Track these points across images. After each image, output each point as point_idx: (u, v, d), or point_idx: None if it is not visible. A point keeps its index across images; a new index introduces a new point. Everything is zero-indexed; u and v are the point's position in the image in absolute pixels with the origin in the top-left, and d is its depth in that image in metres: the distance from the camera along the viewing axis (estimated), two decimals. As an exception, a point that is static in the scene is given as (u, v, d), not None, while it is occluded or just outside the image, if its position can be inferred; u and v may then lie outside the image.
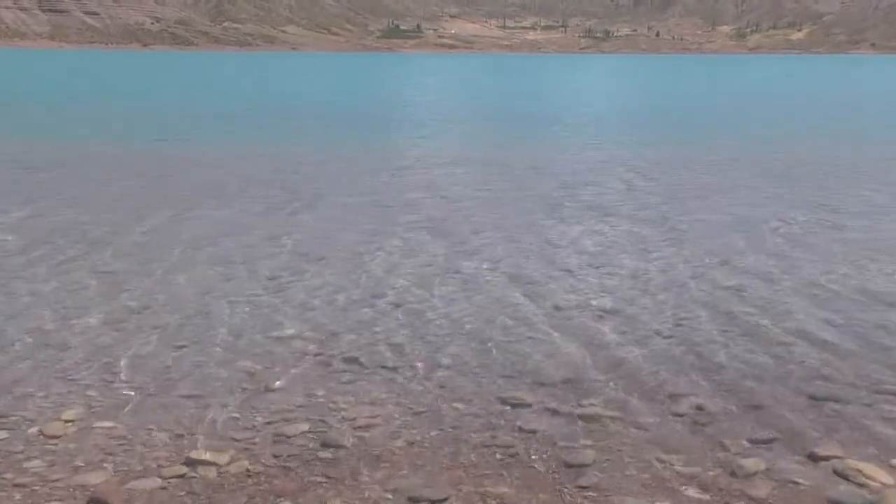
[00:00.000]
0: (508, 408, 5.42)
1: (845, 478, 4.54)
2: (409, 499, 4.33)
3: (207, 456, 4.72)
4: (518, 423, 5.19)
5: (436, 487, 4.43)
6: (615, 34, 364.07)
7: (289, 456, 4.78)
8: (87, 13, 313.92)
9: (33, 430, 5.04)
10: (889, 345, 6.57)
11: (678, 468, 4.64)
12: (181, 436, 5.00)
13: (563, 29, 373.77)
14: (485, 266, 8.91)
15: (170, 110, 33.11)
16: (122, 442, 4.91)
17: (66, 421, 5.16)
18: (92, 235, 10.14)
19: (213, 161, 17.56)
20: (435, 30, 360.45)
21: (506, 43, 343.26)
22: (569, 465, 4.67)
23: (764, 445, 4.90)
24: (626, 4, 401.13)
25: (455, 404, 5.47)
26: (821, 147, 21.06)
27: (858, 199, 13.12)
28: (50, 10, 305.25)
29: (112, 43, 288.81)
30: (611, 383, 5.82)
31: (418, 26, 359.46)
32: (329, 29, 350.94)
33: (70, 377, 5.85)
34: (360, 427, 5.14)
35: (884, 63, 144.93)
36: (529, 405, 5.46)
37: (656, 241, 10.10)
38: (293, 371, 6.03)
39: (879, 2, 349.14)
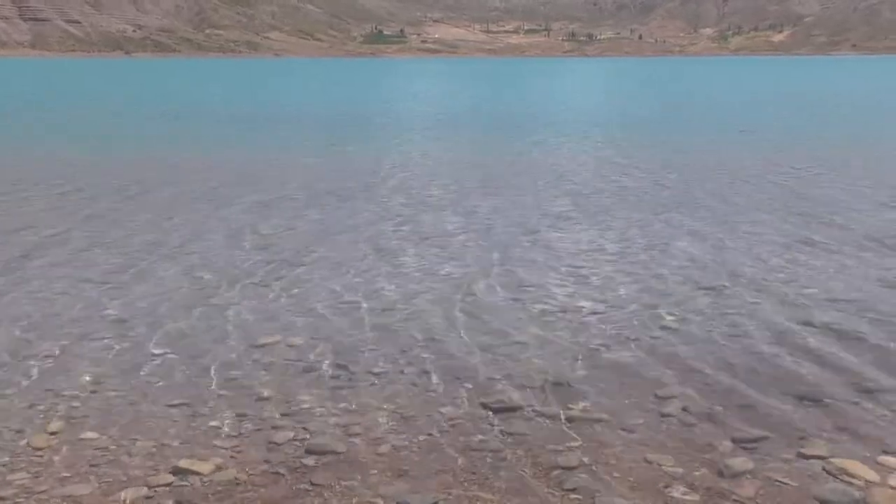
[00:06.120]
0: (495, 412, 5.42)
1: (831, 476, 4.57)
2: (397, 504, 4.32)
3: (193, 465, 4.69)
4: (505, 427, 5.20)
5: (424, 493, 4.43)
6: (598, 37, 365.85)
7: (276, 463, 4.76)
8: (68, 21, 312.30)
9: (19, 442, 5.00)
10: (873, 343, 6.62)
11: (665, 469, 4.66)
12: (167, 445, 4.97)
13: (546, 33, 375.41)
14: (470, 270, 8.91)
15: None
16: (107, 452, 4.88)
17: (51, 433, 5.12)
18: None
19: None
20: (418, 34, 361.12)
21: (489, 47, 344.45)
22: (556, 468, 4.68)
23: (751, 445, 4.93)
24: (608, 8, 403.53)
25: (442, 409, 5.46)
26: None
27: None
28: (31, 19, 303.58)
29: (94, 51, 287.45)
30: (597, 385, 5.84)
31: (402, 31, 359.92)
32: (312, 35, 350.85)
33: (53, 388, 5.81)
34: (347, 434, 5.13)
35: (874, 63, 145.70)
36: (516, 409, 5.46)
37: (652, 243, 10.13)
38: (279, 378, 6.00)
39: (858, 3, 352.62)
